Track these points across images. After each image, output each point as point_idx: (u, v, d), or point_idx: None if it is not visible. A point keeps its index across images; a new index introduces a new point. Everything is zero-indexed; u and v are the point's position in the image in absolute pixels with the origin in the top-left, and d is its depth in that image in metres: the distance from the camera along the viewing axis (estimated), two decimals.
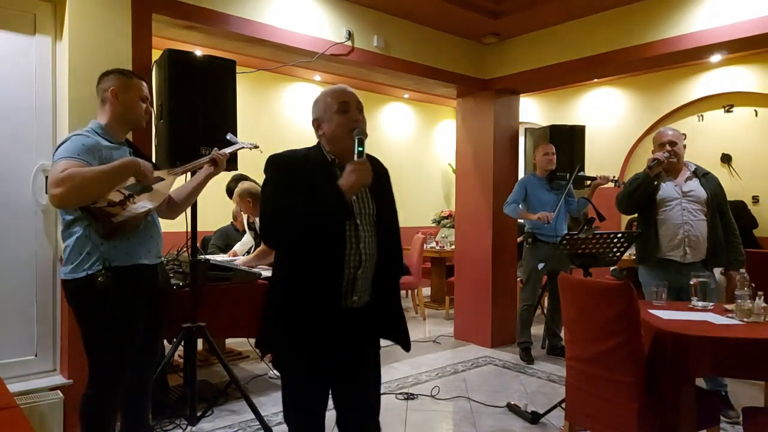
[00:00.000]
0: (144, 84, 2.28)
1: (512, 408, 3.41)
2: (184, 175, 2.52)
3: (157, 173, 2.19)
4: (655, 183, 3.26)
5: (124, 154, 2.14)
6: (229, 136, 2.76)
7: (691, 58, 4.19)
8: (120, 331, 2.08)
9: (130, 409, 2.28)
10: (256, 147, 2.84)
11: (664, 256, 3.23)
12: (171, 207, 2.40)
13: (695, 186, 3.24)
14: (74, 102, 2.80)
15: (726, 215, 3.25)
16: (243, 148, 2.75)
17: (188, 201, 2.46)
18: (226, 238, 5.29)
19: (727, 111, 6.11)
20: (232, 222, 5.43)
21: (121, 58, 2.91)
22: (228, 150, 2.62)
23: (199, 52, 4.99)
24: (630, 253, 3.88)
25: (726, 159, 6.01)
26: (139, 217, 2.03)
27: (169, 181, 2.25)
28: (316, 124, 1.84)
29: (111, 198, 1.95)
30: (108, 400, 2.10)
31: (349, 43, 3.97)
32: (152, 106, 2.33)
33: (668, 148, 3.23)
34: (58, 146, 2.04)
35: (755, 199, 5.82)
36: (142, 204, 2.05)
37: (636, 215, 6.63)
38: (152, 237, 2.21)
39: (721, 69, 6.00)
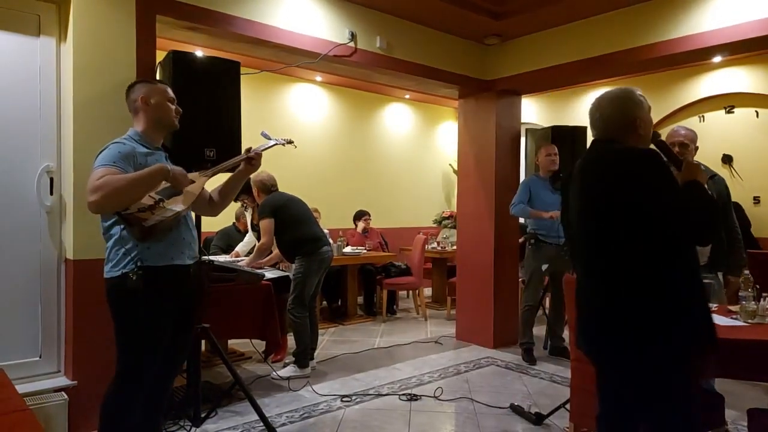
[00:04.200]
0: (165, 86, 2.36)
1: (516, 409, 3.42)
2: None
3: (188, 175, 2.24)
4: None
5: (159, 159, 2.22)
6: (263, 133, 2.79)
7: (693, 59, 4.20)
8: (148, 330, 2.15)
9: (148, 406, 2.28)
10: (290, 143, 2.88)
11: None
12: (212, 205, 2.54)
13: None
14: (78, 103, 2.80)
15: (729, 219, 3.21)
16: (277, 144, 2.78)
17: (227, 199, 2.57)
18: (228, 239, 5.30)
19: (728, 112, 6.12)
20: (233, 223, 5.44)
21: (125, 59, 2.92)
22: (262, 147, 2.65)
23: (200, 52, 4.97)
24: None
25: (727, 160, 6.03)
26: (169, 220, 2.08)
27: (200, 183, 2.31)
28: (638, 122, 1.82)
29: (142, 203, 2.02)
30: (130, 397, 2.15)
31: (352, 44, 3.98)
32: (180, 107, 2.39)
33: (677, 150, 3.21)
34: (98, 154, 2.12)
35: (756, 200, 5.83)
36: (172, 207, 2.10)
37: None
38: (185, 238, 2.26)
39: (722, 70, 6.01)
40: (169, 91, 2.34)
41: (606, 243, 1.76)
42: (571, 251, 1.99)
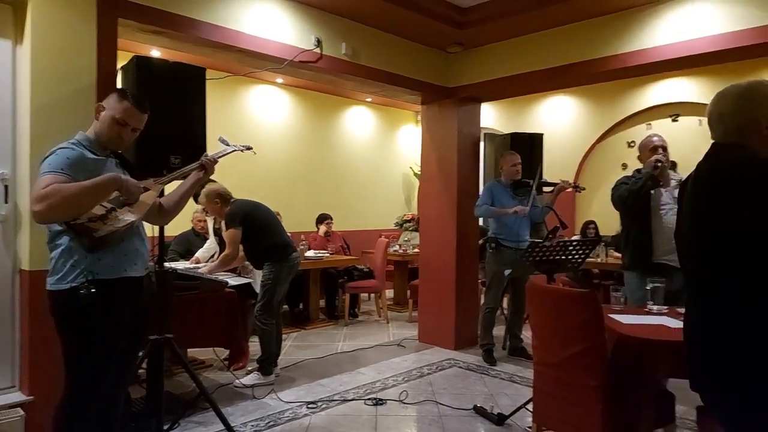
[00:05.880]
0: (132, 110, 2.14)
1: (479, 410, 3.51)
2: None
3: (142, 183, 2.15)
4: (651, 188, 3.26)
5: (111, 168, 2.12)
6: (220, 139, 2.74)
7: (647, 72, 4.41)
8: (101, 344, 2.06)
9: (102, 419, 2.22)
10: (249, 149, 2.81)
11: (658, 260, 3.22)
12: (162, 214, 2.43)
13: None
14: (36, 109, 2.70)
15: None
16: (235, 150, 2.73)
17: (178, 207, 2.48)
18: (187, 244, 5.19)
19: (674, 120, 6.47)
20: (192, 228, 5.33)
21: (85, 63, 2.83)
22: (218, 154, 2.60)
23: (156, 52, 4.88)
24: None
25: (672, 166, 6.33)
26: (120, 230, 2.01)
27: (154, 191, 2.23)
28: (764, 121, 1.50)
29: (93, 212, 1.93)
30: (84, 413, 2.07)
31: (317, 50, 3.98)
32: (136, 133, 2.21)
33: (661, 151, 3.28)
34: (44, 159, 1.99)
35: None
36: (124, 217, 2.03)
37: (593, 220, 6.80)
38: (137, 249, 2.18)
39: (669, 80, 6.34)
40: (128, 113, 2.12)
41: (716, 268, 1.49)
42: (681, 268, 1.71)
